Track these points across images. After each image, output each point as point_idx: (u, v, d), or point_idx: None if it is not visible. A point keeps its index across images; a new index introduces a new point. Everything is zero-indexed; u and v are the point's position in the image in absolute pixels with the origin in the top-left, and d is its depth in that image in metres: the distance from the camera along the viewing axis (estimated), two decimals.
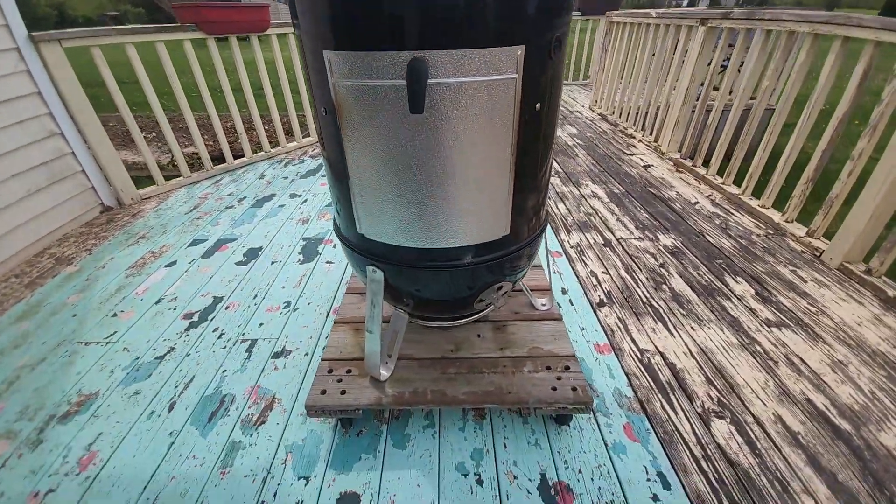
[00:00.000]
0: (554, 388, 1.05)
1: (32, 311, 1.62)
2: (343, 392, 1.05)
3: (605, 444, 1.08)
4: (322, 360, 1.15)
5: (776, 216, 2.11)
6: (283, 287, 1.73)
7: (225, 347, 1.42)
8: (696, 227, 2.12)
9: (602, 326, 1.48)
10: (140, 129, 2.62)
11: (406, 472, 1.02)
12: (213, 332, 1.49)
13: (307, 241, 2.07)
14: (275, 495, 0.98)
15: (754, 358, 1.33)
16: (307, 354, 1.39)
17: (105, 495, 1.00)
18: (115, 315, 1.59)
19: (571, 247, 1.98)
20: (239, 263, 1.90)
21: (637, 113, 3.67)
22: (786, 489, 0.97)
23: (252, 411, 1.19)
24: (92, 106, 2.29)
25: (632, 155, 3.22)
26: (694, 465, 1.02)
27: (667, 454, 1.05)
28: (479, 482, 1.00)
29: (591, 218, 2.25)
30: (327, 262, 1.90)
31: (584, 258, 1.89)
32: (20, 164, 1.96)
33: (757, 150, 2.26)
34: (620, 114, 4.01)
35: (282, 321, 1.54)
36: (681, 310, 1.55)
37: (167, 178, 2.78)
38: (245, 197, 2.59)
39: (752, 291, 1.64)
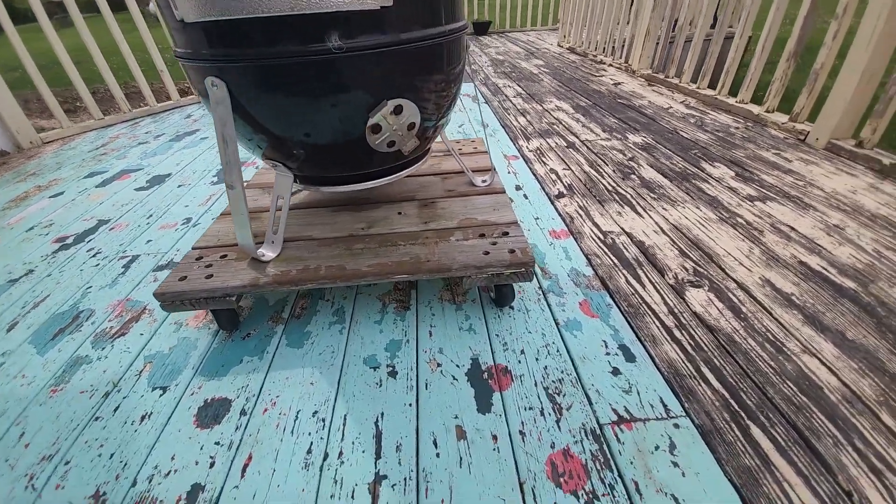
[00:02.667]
0: (486, 253, 0.81)
1: None
2: (209, 276, 0.80)
3: (556, 323, 0.85)
4: (192, 249, 0.89)
5: (756, 109, 1.89)
6: (187, 206, 1.45)
7: (97, 265, 1.15)
8: (668, 127, 1.89)
9: (560, 215, 1.25)
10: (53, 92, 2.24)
11: (298, 370, 0.78)
12: (87, 252, 1.21)
13: None
14: (115, 410, 0.73)
15: (736, 230, 1.12)
16: None
17: None
18: None
19: (530, 151, 1.73)
20: (139, 189, 1.60)
21: (607, 41, 3.40)
22: (780, 350, 0.76)
23: (112, 324, 0.93)
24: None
25: (601, 76, 2.96)
26: (665, 334, 0.81)
27: (632, 327, 0.83)
28: (393, 374, 0.76)
29: (554, 126, 2.00)
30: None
31: (543, 159, 1.64)
32: None
33: (732, 43, 2.02)
34: (590, 45, 3.73)
35: (176, 237, 1.26)
36: (651, 194, 1.33)
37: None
38: (164, 134, 2.26)
39: (732, 174, 1.43)
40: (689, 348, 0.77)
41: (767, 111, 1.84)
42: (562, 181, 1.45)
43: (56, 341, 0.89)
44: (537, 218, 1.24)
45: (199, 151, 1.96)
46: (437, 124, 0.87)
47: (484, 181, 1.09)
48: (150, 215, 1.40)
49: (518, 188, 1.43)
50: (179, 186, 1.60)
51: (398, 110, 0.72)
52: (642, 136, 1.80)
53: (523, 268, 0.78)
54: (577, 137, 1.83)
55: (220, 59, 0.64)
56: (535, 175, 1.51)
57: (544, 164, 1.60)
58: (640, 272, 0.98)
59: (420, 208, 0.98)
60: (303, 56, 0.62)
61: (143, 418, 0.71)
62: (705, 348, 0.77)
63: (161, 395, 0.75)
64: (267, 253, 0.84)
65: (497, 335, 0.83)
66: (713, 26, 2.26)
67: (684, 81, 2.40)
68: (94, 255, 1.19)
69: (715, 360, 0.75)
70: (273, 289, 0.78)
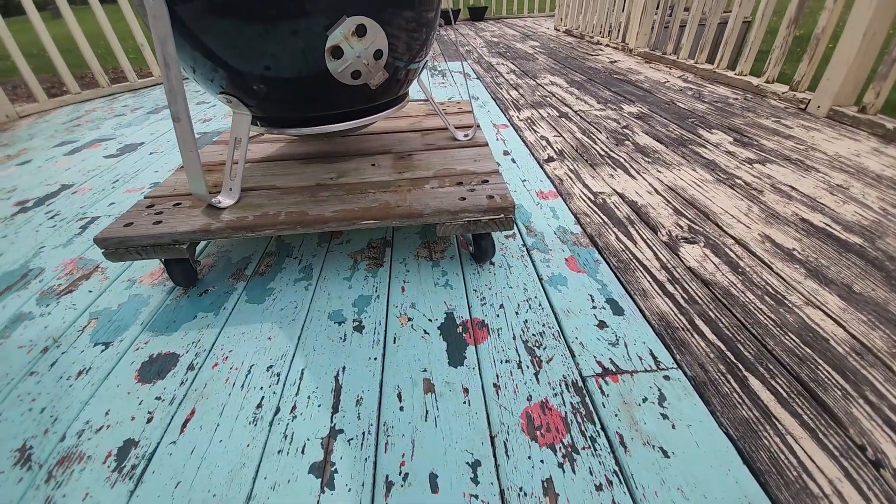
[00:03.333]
0: (462, 199, 0.74)
1: None
2: (158, 222, 0.73)
3: (540, 279, 0.79)
4: (143, 198, 0.82)
5: (755, 80, 1.82)
6: (157, 172, 1.37)
7: (55, 227, 1.07)
8: (665, 98, 1.83)
9: (549, 177, 1.18)
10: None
11: (256, 325, 0.72)
12: (46, 214, 1.14)
13: (202, 135, 1.70)
14: (52, 365, 0.66)
15: (734, 189, 1.05)
16: None
17: None
18: None
19: (521, 120, 1.66)
20: (109, 157, 1.52)
21: (604, 23, 3.32)
22: (781, 303, 0.70)
23: (61, 282, 0.86)
24: None
25: (597, 55, 2.89)
26: (657, 288, 0.74)
27: (620, 281, 0.77)
28: (359, 328, 0.70)
29: (547, 99, 1.93)
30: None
31: (534, 127, 1.57)
32: None
33: (729, 19, 1.95)
34: (586, 27, 3.65)
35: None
36: (645, 158, 1.26)
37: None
38: (141, 108, 2.17)
39: (730, 139, 1.36)
40: (682, 301, 0.71)
41: (767, 81, 1.77)
42: (552, 147, 1.38)
43: (0, 299, 0.82)
44: (524, 180, 1.17)
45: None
46: (409, 67, 0.80)
47: (466, 135, 1.02)
48: (117, 180, 1.32)
49: (506, 153, 1.36)
50: (151, 154, 1.52)
51: (361, 31, 0.65)
52: (638, 107, 1.73)
53: (502, 213, 0.72)
54: (571, 108, 1.76)
55: None
56: (524, 142, 1.44)
57: (535, 132, 1.53)
58: (631, 230, 0.92)
59: (395, 160, 0.91)
60: None
61: (79, 373, 0.64)
62: (699, 301, 0.71)
63: (103, 351, 0.68)
64: (224, 200, 0.76)
65: (475, 290, 0.77)
66: None
67: (682, 57, 2.33)
68: (52, 217, 1.11)
69: (710, 312, 0.68)
70: (227, 236, 0.71)
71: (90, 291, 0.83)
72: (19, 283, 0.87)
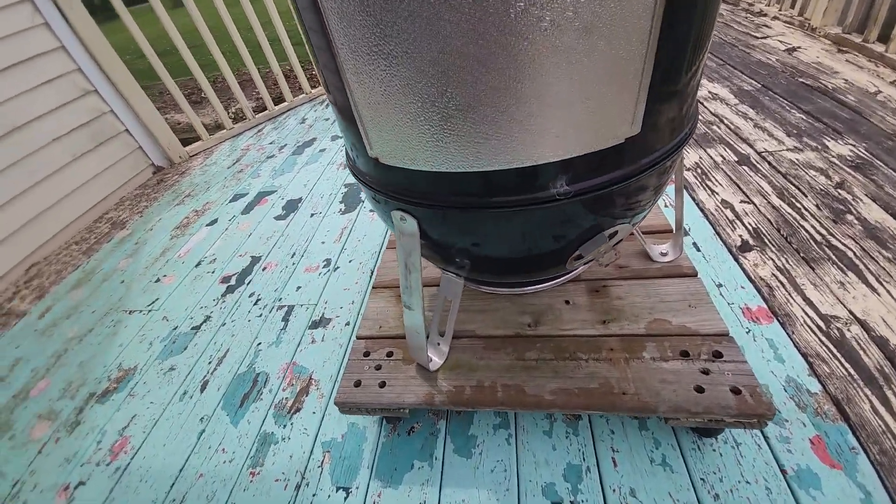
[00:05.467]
0: (700, 390, 0.66)
1: (86, 279, 1.59)
2: (382, 384, 0.78)
3: (783, 471, 0.69)
4: (357, 338, 0.88)
5: None
6: (323, 242, 1.48)
7: (261, 315, 1.23)
8: (886, 128, 1.43)
9: (751, 280, 1.01)
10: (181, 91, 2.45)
11: (472, 491, 0.75)
12: (249, 297, 1.31)
13: (349, 188, 1.79)
14: None
15: None
16: (348, 324, 1.14)
17: (133, 491, 0.87)
18: (157, 280, 1.49)
19: (687, 168, 1.44)
20: (278, 218, 1.69)
21: None
22: None
23: (286, 395, 0.99)
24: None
25: (765, 38, 2.36)
26: None
27: (887, 488, 0.64)
28: None
29: (714, 127, 1.64)
30: (371, 211, 1.61)
31: (707, 182, 1.36)
32: (58, 127, 1.88)
33: None
34: None
35: (320, 284, 1.30)
36: (883, 252, 1.01)
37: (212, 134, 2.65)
38: (286, 144, 2.36)
39: None
40: None
41: None
42: (742, 222, 1.18)
43: (244, 409, 0.98)
44: (720, 285, 1.02)
45: (320, 169, 2.01)
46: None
47: (663, 253, 0.90)
48: (294, 254, 1.46)
49: (683, 232, 1.19)
50: (312, 216, 1.65)
51: (613, 235, 0.58)
52: (849, 145, 1.38)
53: (756, 419, 0.63)
54: (752, 146, 1.48)
55: (414, 200, 0.56)
56: (701, 210, 1.25)
57: (711, 191, 1.32)
58: (888, 393, 0.75)
59: (590, 295, 0.85)
60: (513, 206, 0.50)
61: None
62: None
63: (346, 499, 0.78)
64: (434, 359, 0.79)
65: (703, 479, 0.70)
66: None
67: (894, 50, 1.79)
68: (255, 303, 1.28)
69: None
70: (448, 408, 0.74)
71: (313, 413, 0.94)
72: (253, 391, 1.02)
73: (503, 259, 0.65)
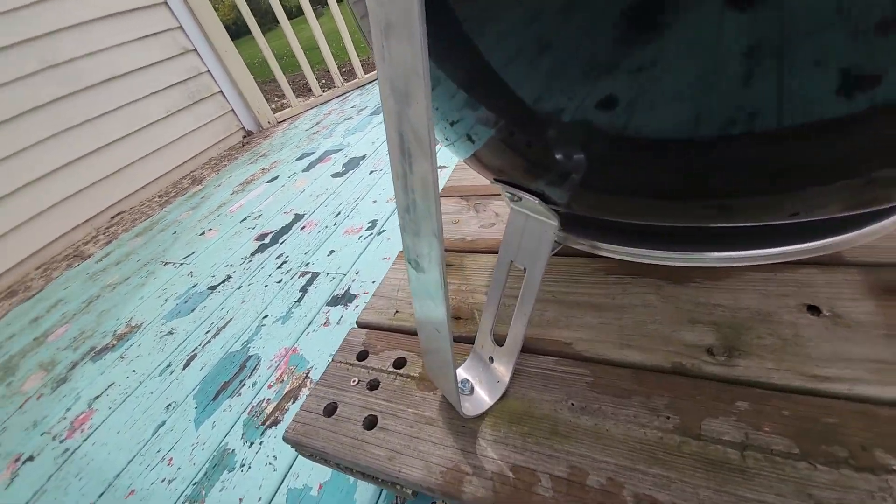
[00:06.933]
0: None
1: (149, 228, 1.53)
2: (372, 423, 0.39)
3: None
4: (356, 324, 0.51)
5: None
6: (375, 202, 1.17)
7: (280, 281, 0.96)
8: None
9: None
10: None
11: None
12: (277, 259, 1.05)
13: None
14: None
15: None
16: None
17: (63, 489, 0.64)
18: (202, 234, 1.34)
19: None
20: (335, 175, 1.44)
21: None
22: None
23: (270, 395, 0.67)
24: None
25: None
26: None
27: None
28: None
29: None
30: (441, 167, 1.24)
31: None
32: (156, 81, 1.91)
33: None
34: None
35: (357, 250, 0.98)
36: None
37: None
38: (366, 107, 2.14)
39: None
40: None
41: None
42: None
43: (216, 404, 0.69)
44: None
45: None
46: None
47: None
48: (339, 213, 1.17)
49: None
50: (371, 173, 1.35)
51: None
52: None
53: None
54: None
55: None
56: None
57: None
58: None
59: (881, 300, 0.34)
60: None
61: None
62: None
63: None
64: (474, 404, 0.37)
65: None
66: None
67: None
68: (279, 266, 1.02)
69: None
70: None
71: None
72: (234, 380, 0.73)
73: (705, 155, 0.21)
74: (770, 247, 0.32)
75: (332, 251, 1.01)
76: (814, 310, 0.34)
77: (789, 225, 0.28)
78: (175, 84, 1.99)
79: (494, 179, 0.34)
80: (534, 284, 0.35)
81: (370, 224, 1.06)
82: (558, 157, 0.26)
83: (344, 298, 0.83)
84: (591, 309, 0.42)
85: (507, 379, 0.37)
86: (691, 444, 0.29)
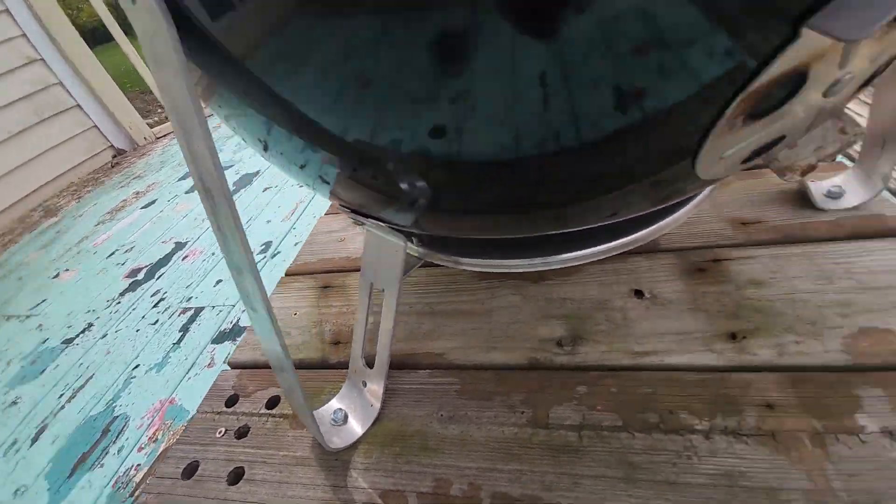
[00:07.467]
0: None
1: None
2: (237, 476, 0.35)
3: None
4: (229, 365, 0.46)
5: None
6: (269, 221, 1.09)
7: (156, 322, 0.84)
8: None
9: None
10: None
11: None
12: (152, 297, 0.93)
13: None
14: None
15: None
16: None
17: None
18: (56, 276, 1.13)
19: None
20: None
21: None
22: None
23: (139, 459, 0.58)
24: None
25: None
26: None
27: None
28: None
29: None
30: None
31: None
32: None
33: None
34: None
35: None
36: None
37: None
38: None
39: None
40: None
41: None
42: None
43: (72, 483, 0.58)
44: None
45: None
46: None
47: (833, 193, 0.44)
48: None
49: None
50: (265, 190, 1.26)
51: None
52: None
53: None
54: None
55: None
56: None
57: None
58: None
59: (689, 280, 0.40)
60: None
61: None
62: None
63: None
64: (344, 435, 0.35)
65: None
66: None
67: None
68: (156, 305, 0.89)
69: None
70: None
71: None
72: (96, 449, 0.62)
73: (519, 175, 0.21)
74: (601, 244, 0.35)
75: (219, 280, 0.91)
76: (638, 293, 0.38)
77: (614, 224, 0.30)
78: (19, 99, 1.66)
79: (340, 206, 0.33)
80: (392, 304, 0.34)
81: (263, 246, 0.98)
82: (402, 186, 0.25)
83: (232, 333, 0.76)
84: (463, 316, 0.42)
85: (378, 403, 0.36)
86: (540, 435, 0.30)
